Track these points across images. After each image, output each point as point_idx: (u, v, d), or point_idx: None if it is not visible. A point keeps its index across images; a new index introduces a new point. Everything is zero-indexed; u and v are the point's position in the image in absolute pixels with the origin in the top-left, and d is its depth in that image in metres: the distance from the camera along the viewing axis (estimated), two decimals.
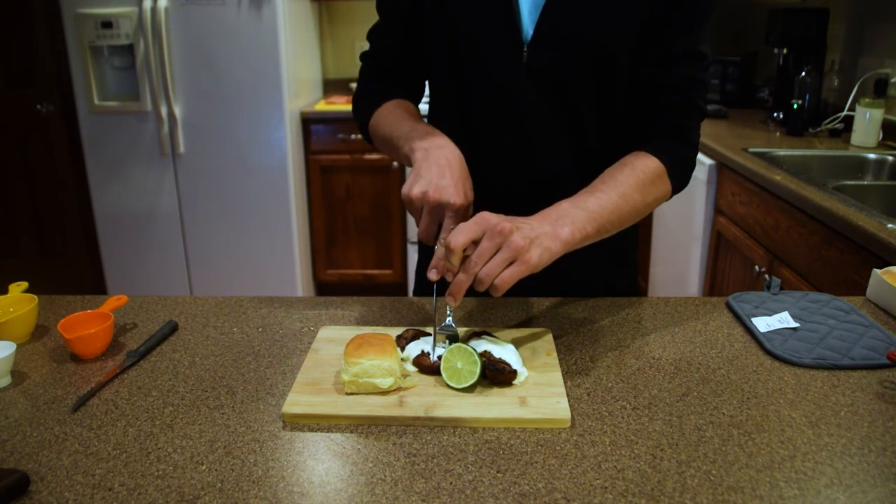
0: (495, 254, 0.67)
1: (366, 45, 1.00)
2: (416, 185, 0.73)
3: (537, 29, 0.85)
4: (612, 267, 1.00)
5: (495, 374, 0.70)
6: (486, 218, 0.69)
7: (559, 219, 0.73)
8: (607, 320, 0.87)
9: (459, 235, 0.67)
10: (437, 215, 0.73)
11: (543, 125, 0.89)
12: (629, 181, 0.80)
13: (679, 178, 0.87)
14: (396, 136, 0.84)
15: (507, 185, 0.93)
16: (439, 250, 0.72)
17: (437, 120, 0.99)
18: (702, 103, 0.88)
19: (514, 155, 0.91)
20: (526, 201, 0.93)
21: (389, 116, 0.90)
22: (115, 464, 0.60)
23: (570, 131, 0.90)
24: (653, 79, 0.86)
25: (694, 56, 0.85)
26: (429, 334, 0.78)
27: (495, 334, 0.79)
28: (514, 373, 0.70)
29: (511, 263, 0.67)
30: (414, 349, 0.75)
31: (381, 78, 0.99)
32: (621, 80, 0.87)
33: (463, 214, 0.75)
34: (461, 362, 0.70)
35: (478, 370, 0.69)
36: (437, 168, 0.74)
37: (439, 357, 0.72)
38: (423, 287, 1.04)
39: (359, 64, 1.02)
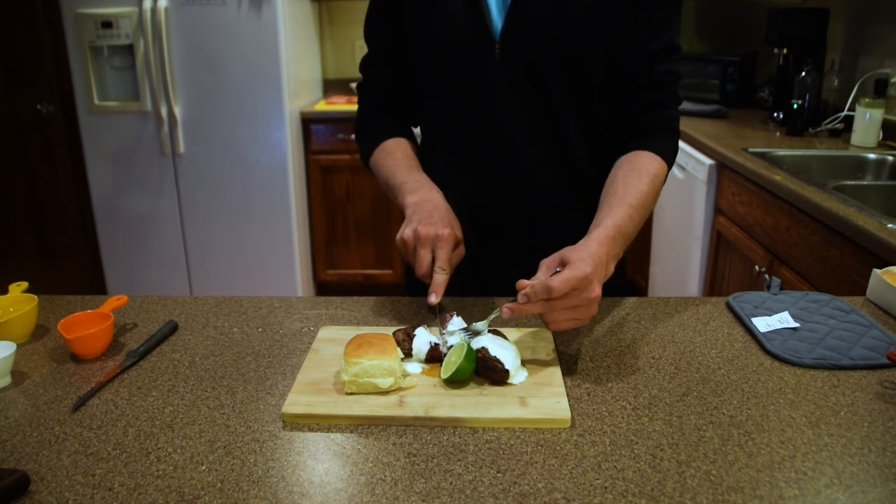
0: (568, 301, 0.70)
1: (365, 46, 1.02)
2: (407, 228, 0.81)
3: (506, 25, 0.88)
4: None
5: (487, 371, 0.70)
6: (588, 276, 0.69)
7: (609, 262, 0.77)
8: (607, 320, 0.87)
9: (563, 284, 0.68)
10: (430, 247, 0.80)
11: (522, 121, 0.92)
12: (647, 190, 0.85)
13: (671, 166, 0.93)
14: (392, 184, 0.93)
15: (493, 184, 0.96)
16: (437, 277, 0.78)
17: (424, 129, 1.03)
18: (679, 92, 0.94)
19: (497, 153, 0.94)
20: (511, 199, 0.95)
21: (386, 159, 0.96)
22: (115, 464, 0.60)
23: (549, 126, 0.92)
24: (636, 77, 0.91)
25: (671, 50, 0.91)
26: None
27: (502, 333, 0.79)
28: (506, 372, 0.70)
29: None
30: (422, 345, 0.75)
31: (377, 109, 1.04)
32: (594, 74, 0.90)
33: (453, 246, 0.81)
34: (455, 356, 0.71)
35: (461, 360, 0.69)
36: (426, 213, 0.83)
37: (450, 347, 0.74)
38: (417, 286, 1.04)
39: (358, 63, 1.06)
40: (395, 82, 1.01)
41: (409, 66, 0.98)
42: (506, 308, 0.70)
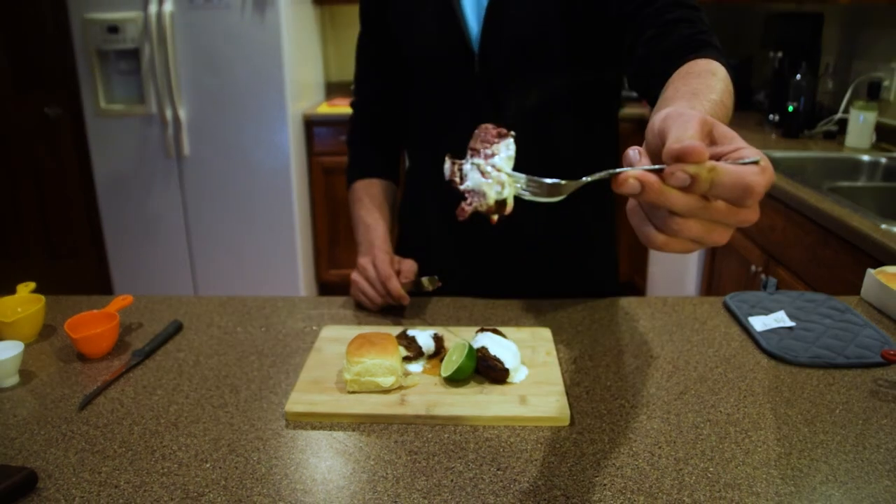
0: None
1: None
2: (363, 295, 0.91)
3: (483, 36, 0.87)
4: (594, 265, 1.01)
5: (487, 371, 0.71)
6: (772, 173, 0.39)
7: None
8: (606, 320, 0.88)
9: (763, 188, 0.38)
10: (382, 289, 0.89)
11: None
12: (722, 87, 0.61)
13: (734, 80, 0.67)
14: (357, 235, 0.99)
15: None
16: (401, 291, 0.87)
17: (411, 145, 1.04)
18: (705, 16, 0.74)
19: None
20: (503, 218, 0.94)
21: (354, 206, 1.02)
22: (120, 461, 0.61)
23: (537, 138, 0.90)
24: (642, 12, 0.74)
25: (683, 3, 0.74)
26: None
27: (502, 332, 0.79)
28: (505, 371, 0.71)
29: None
30: (426, 341, 0.77)
31: (366, 132, 1.07)
32: (575, 75, 0.88)
33: (395, 279, 0.88)
34: (456, 355, 0.71)
35: (462, 359, 0.70)
36: (369, 281, 0.91)
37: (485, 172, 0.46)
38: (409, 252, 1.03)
39: None
40: (384, 97, 1.03)
41: (398, 85, 0.99)
42: (633, 177, 0.39)
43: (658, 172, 0.38)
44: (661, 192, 0.38)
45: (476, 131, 0.47)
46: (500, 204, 0.44)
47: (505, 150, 0.45)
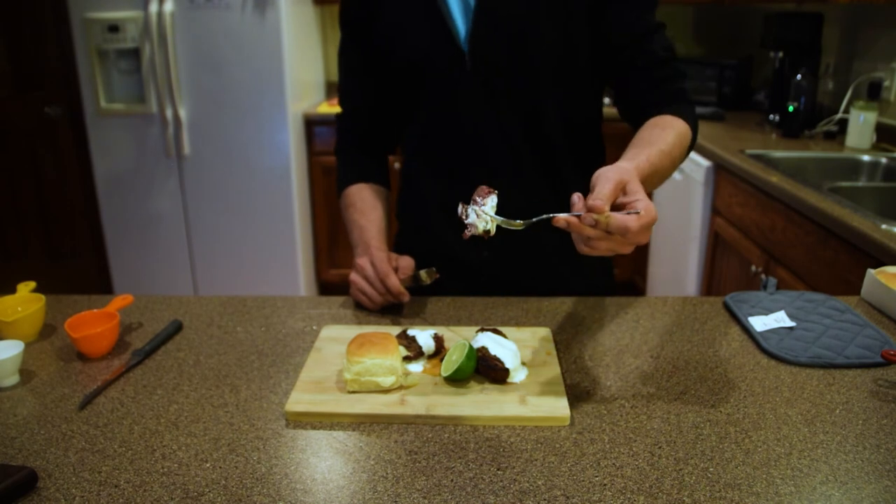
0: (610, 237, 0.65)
1: None
2: (363, 295, 0.92)
3: (472, 34, 0.88)
4: (587, 264, 1.02)
5: (487, 370, 0.71)
6: (655, 221, 0.66)
7: None
8: (606, 320, 0.88)
9: (641, 229, 0.64)
10: (382, 286, 0.90)
11: (501, 132, 0.92)
12: (673, 141, 0.82)
13: (695, 131, 0.90)
14: (351, 240, 1.01)
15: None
16: (401, 286, 0.89)
17: (407, 146, 1.05)
18: (681, 66, 0.93)
19: (476, 165, 0.94)
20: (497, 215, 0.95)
21: (347, 211, 1.05)
22: (120, 461, 0.61)
23: (530, 136, 0.92)
24: (632, 60, 0.90)
25: (657, 28, 0.90)
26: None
27: (502, 332, 0.80)
28: (505, 370, 0.71)
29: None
30: (426, 340, 0.77)
31: (353, 140, 1.08)
32: (563, 75, 0.90)
33: (393, 275, 0.90)
34: (456, 355, 0.71)
35: (462, 359, 0.70)
36: (367, 281, 0.92)
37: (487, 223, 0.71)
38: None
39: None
40: (370, 106, 1.03)
41: (384, 92, 1.00)
42: (562, 219, 0.64)
43: (578, 217, 0.64)
44: (579, 228, 0.64)
45: (477, 189, 0.72)
46: (487, 232, 0.71)
47: (491, 202, 0.71)
